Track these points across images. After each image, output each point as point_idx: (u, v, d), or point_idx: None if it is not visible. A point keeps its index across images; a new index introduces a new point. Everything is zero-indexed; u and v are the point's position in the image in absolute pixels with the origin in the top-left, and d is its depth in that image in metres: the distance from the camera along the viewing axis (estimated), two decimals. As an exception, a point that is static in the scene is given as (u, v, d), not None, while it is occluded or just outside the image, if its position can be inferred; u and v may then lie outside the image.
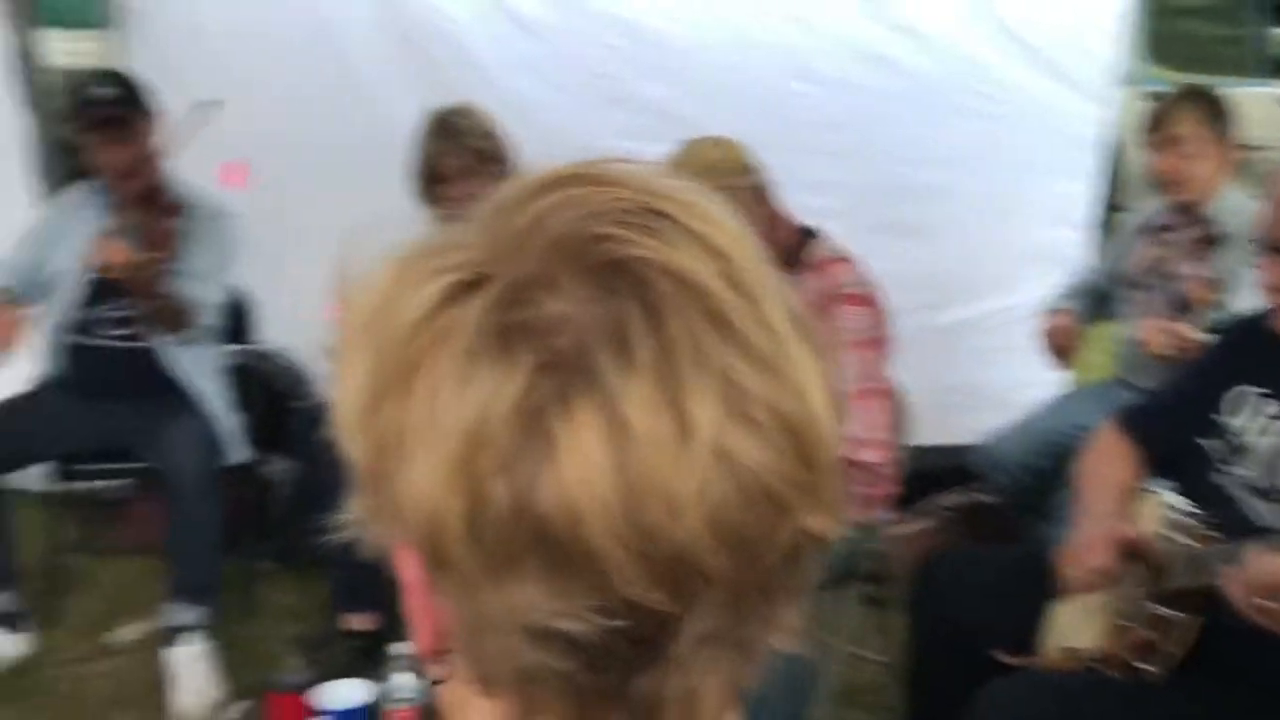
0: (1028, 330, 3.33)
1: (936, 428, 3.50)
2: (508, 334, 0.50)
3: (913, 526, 3.31)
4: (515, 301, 0.51)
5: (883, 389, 2.29)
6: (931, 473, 3.34)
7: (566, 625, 0.50)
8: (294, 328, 3.75)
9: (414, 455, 0.50)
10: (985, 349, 4.08)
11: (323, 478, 3.08)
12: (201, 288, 3.06)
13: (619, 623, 0.50)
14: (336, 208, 3.88)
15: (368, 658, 2.78)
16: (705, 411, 0.49)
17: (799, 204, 2.73)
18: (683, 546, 0.49)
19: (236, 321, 3.39)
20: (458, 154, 2.91)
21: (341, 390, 0.54)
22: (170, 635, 2.92)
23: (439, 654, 0.57)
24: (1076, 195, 4.08)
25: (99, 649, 3.07)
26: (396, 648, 2.25)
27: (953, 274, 4.03)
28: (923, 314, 3.82)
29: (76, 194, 3.25)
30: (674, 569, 0.50)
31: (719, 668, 0.54)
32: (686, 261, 0.52)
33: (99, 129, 3.02)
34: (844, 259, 2.41)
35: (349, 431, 0.54)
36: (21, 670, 2.93)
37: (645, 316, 0.50)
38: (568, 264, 0.51)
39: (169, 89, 3.37)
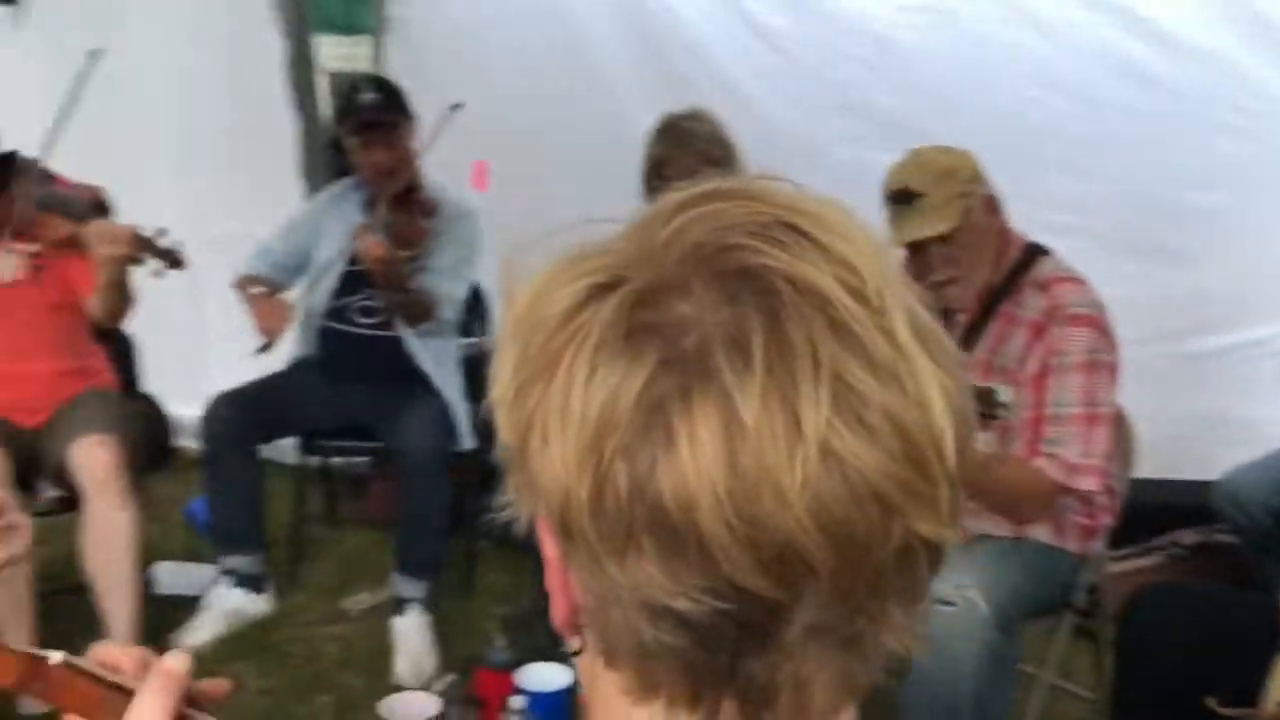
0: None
1: (1175, 460, 3.33)
2: (636, 332, 0.54)
3: (1135, 561, 3.15)
4: (646, 303, 0.55)
5: (1104, 415, 2.19)
6: (1164, 507, 3.17)
7: (679, 604, 0.54)
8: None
9: (550, 437, 0.55)
10: (1237, 380, 3.82)
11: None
12: (445, 283, 3.24)
13: (727, 605, 0.54)
14: (575, 208, 4.05)
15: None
16: (816, 412, 0.52)
17: (1038, 220, 2.64)
18: (788, 537, 0.52)
19: (472, 315, 3.55)
20: (683, 158, 2.97)
21: (496, 377, 0.59)
22: (396, 606, 3.10)
23: (574, 626, 0.61)
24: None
25: (333, 614, 3.29)
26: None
27: (1207, 300, 3.78)
28: (1169, 341, 3.63)
29: (337, 190, 3.50)
30: (779, 558, 0.53)
31: (830, 662, 0.56)
32: (811, 271, 0.55)
33: (362, 132, 3.24)
34: (1073, 279, 2.32)
35: (500, 415, 0.59)
36: (262, 629, 3.17)
37: (766, 321, 0.53)
38: (699, 271, 0.55)
39: (424, 92, 3.59)
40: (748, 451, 0.52)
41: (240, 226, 3.89)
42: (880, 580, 0.55)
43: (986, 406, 2.07)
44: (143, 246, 2.80)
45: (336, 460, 3.83)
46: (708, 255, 0.56)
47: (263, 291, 3.25)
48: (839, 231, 0.57)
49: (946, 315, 2.39)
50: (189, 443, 3.66)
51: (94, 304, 2.97)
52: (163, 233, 2.84)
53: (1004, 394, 2.16)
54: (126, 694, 0.76)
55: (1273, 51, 3.62)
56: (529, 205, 3.87)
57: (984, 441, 2.20)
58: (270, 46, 3.79)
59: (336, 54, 4.44)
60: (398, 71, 4.02)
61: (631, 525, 0.54)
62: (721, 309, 0.54)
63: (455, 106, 3.18)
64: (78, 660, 0.76)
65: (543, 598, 2.40)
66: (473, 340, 3.58)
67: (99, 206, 2.92)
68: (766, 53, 4.02)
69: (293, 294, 3.38)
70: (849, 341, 0.54)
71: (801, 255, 0.55)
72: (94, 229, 2.75)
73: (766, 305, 0.54)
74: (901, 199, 2.32)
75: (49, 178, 2.96)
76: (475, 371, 3.50)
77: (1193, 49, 3.64)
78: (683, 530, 0.53)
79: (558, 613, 0.62)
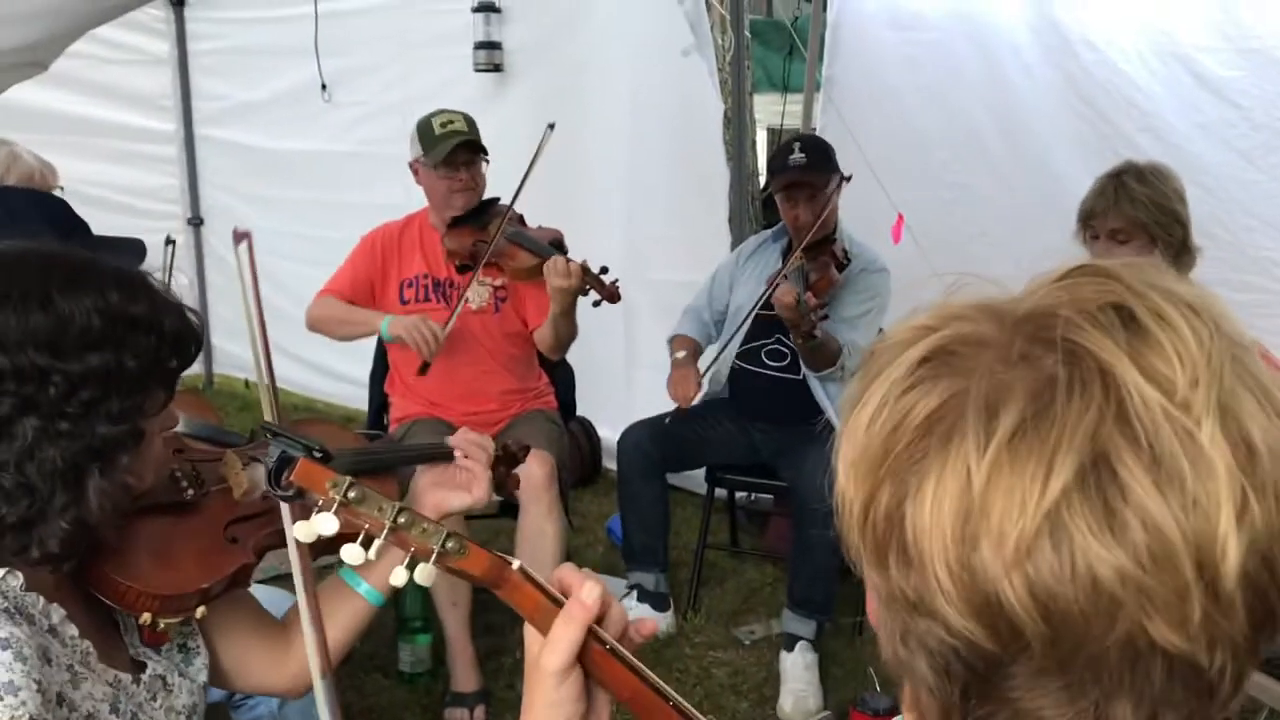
0: None
1: None
2: (933, 372, 0.61)
3: None
4: (953, 348, 0.61)
5: None
6: None
7: (917, 626, 0.60)
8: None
9: (844, 453, 0.64)
10: None
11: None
12: (849, 331, 3.35)
13: (953, 641, 0.59)
14: (1004, 267, 4.02)
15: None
16: (1055, 484, 0.55)
17: None
18: (999, 594, 0.56)
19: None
20: (1111, 218, 2.87)
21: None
22: (786, 641, 3.23)
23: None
24: None
25: (726, 640, 3.47)
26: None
27: None
28: None
29: (757, 241, 3.71)
30: (990, 611, 0.57)
31: None
32: (1115, 356, 0.56)
33: (789, 190, 3.42)
34: None
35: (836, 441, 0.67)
36: (660, 645, 3.40)
37: (1037, 388, 0.57)
38: (1018, 332, 0.60)
39: (852, 147, 3.74)
40: (978, 504, 0.56)
41: (674, 274, 4.24)
42: (1100, 670, 0.57)
43: None
44: (589, 280, 3.13)
45: (740, 494, 4.03)
46: (1033, 321, 0.60)
47: (683, 357, 3.52)
48: (1175, 324, 0.57)
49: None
50: (613, 465, 4.00)
51: (544, 334, 3.35)
52: (605, 270, 3.17)
53: None
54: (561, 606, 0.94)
55: None
56: (956, 262, 3.90)
57: None
58: (710, 108, 4.08)
59: (772, 110, 4.68)
60: (827, 127, 4.20)
61: (884, 544, 0.61)
62: (1009, 369, 0.58)
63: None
64: (531, 571, 0.96)
65: None
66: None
67: (557, 245, 3.29)
68: (1215, 105, 3.80)
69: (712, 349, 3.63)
70: (1130, 432, 0.55)
71: (1115, 339, 0.57)
72: (552, 264, 3.11)
73: (1047, 375, 0.57)
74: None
75: (521, 221, 3.38)
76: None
77: None
78: (916, 561, 0.59)
79: (871, 618, 0.69)
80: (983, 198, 4.12)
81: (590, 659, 0.94)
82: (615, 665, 0.95)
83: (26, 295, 1.21)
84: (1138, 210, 2.85)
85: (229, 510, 1.54)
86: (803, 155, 3.42)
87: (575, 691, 0.92)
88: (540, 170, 3.26)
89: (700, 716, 0.97)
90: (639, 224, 4.46)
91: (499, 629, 3.30)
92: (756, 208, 4.37)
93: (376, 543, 0.95)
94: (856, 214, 3.63)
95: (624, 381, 4.56)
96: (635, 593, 3.45)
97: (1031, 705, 0.59)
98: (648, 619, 1.03)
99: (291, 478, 0.96)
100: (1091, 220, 2.92)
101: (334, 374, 5.19)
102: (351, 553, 0.95)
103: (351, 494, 0.94)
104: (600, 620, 0.95)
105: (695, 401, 3.45)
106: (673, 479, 3.59)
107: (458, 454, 1.68)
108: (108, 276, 1.27)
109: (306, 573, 1.50)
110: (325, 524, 0.94)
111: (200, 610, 1.45)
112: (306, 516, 0.97)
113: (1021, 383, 0.57)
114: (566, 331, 3.30)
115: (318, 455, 1.00)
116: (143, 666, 1.41)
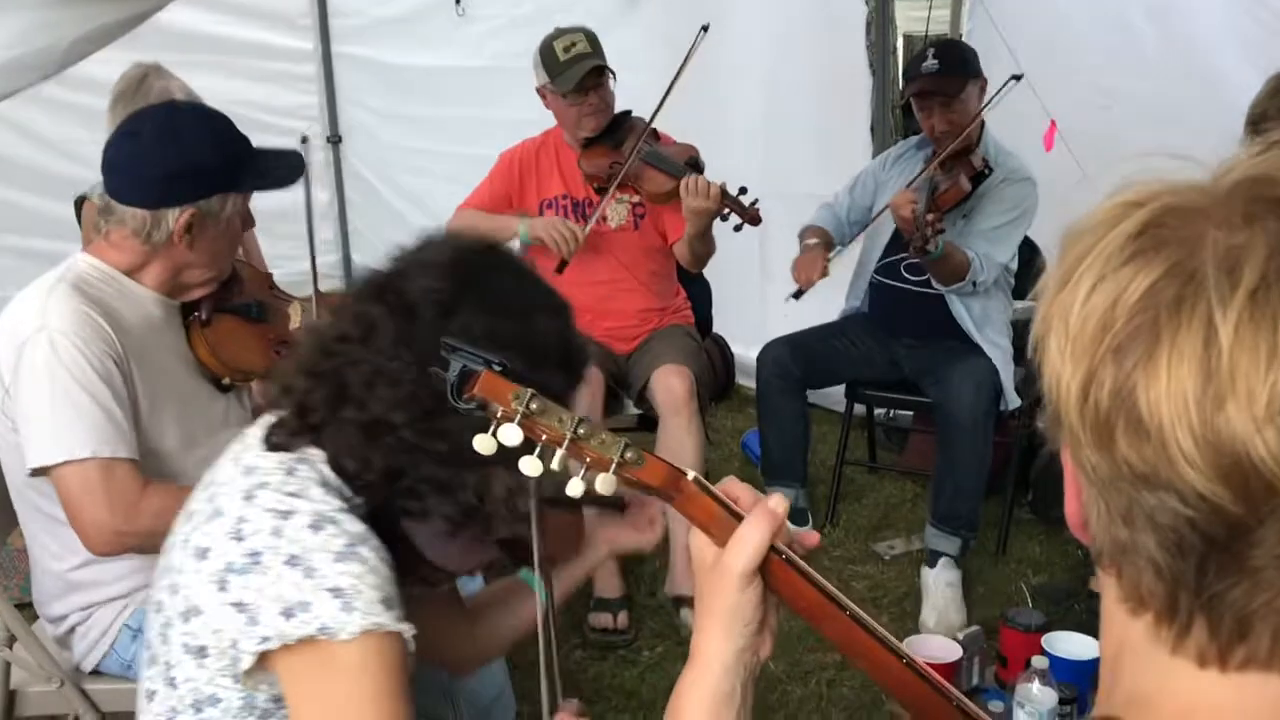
0: None
1: None
2: (1150, 243, 0.60)
3: None
4: (1168, 219, 0.60)
5: None
6: None
7: (1147, 501, 0.59)
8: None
9: (1055, 334, 0.63)
10: None
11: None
12: (984, 244, 3.24)
13: (1190, 512, 0.58)
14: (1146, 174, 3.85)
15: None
16: None
17: None
18: (1248, 450, 0.55)
19: (1029, 279, 3.51)
20: (1281, 119, 2.72)
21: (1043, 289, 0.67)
22: (928, 557, 3.20)
23: (1084, 532, 0.67)
24: None
25: (865, 554, 3.46)
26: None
27: None
28: None
29: (902, 148, 3.61)
30: (1238, 469, 0.56)
31: None
32: None
33: (922, 97, 3.32)
34: None
35: (1037, 325, 0.66)
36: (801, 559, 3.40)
37: (1272, 247, 0.57)
38: (1232, 197, 0.60)
39: (997, 55, 3.59)
40: (1223, 364, 0.56)
41: (815, 187, 4.14)
42: None
43: None
44: (727, 202, 3.09)
45: (880, 410, 3.98)
46: (1247, 186, 0.60)
47: (814, 244, 3.45)
48: None
49: None
50: (748, 381, 3.99)
51: (681, 251, 3.33)
52: (744, 191, 3.12)
53: None
54: (737, 519, 0.94)
55: None
56: (1091, 169, 3.74)
57: None
58: (854, 12, 3.96)
59: (916, 16, 4.52)
60: (975, 31, 4.04)
61: (1110, 420, 0.59)
62: (1237, 232, 0.58)
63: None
64: (705, 482, 0.96)
65: (1078, 576, 2.42)
66: (1027, 304, 3.54)
67: (693, 164, 3.25)
68: None
69: (854, 248, 3.56)
70: None
71: None
72: (689, 184, 3.08)
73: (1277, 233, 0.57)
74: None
75: (655, 137, 3.35)
76: (1027, 334, 3.46)
77: None
78: (1153, 431, 0.58)
79: (1070, 514, 0.68)
80: (1139, 102, 3.92)
81: (769, 568, 0.94)
82: (793, 575, 0.95)
83: (522, 306, 1.31)
84: (1312, 113, 2.69)
85: None
86: (936, 61, 3.30)
87: (757, 597, 0.93)
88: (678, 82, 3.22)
89: (875, 624, 0.96)
90: (777, 136, 4.37)
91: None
92: (897, 116, 4.25)
93: (559, 453, 0.95)
94: (1006, 121, 3.50)
95: (759, 298, 4.51)
96: (775, 507, 3.45)
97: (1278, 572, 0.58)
98: (810, 532, 1.03)
99: (475, 390, 0.97)
100: (1264, 124, 2.77)
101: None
102: (530, 464, 0.96)
103: (534, 405, 0.95)
104: None
105: (835, 316, 3.40)
106: (810, 396, 3.55)
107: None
108: (564, 305, 1.37)
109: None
110: (509, 434, 0.95)
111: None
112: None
113: (1256, 241, 0.57)
114: (704, 249, 3.29)
115: (498, 369, 1.01)
116: None
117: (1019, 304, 3.50)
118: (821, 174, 4.20)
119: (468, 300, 1.29)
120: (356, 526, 1.25)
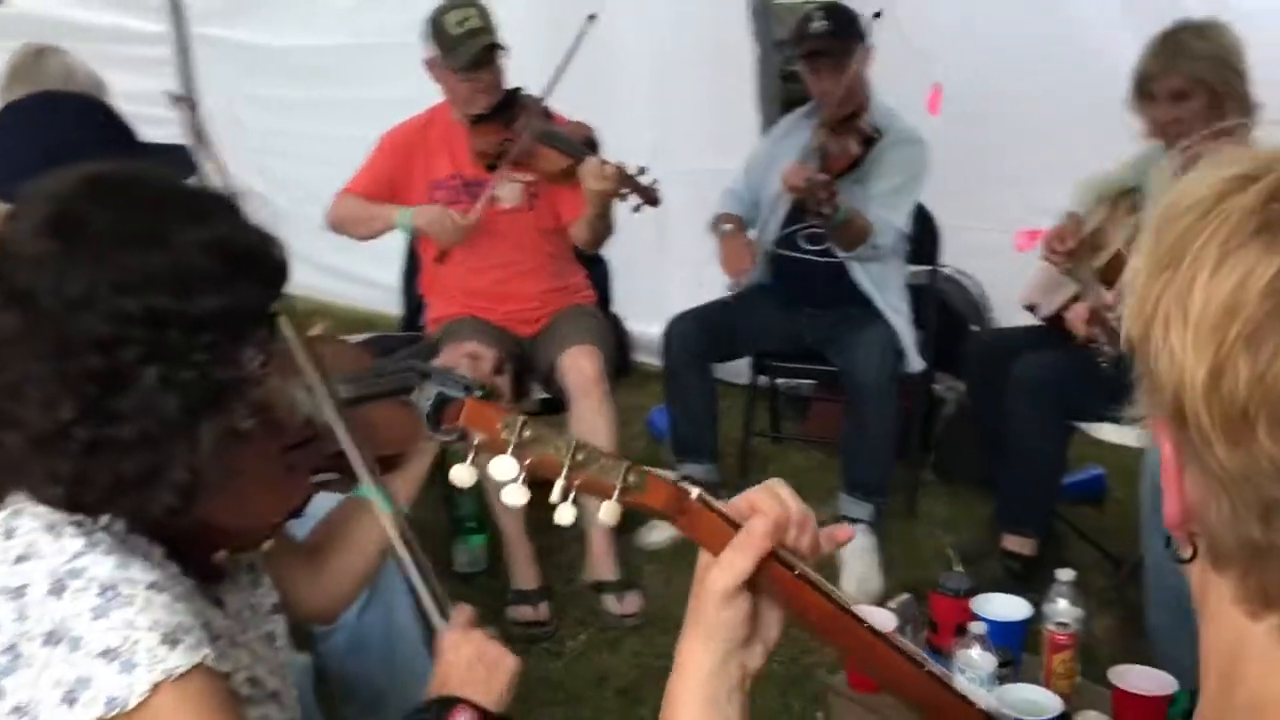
0: None
1: None
2: (1274, 221, 0.55)
3: None
4: None
5: None
6: None
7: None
8: (979, 254, 3.87)
9: (1172, 323, 0.58)
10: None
11: (982, 404, 3.21)
12: (881, 209, 3.25)
13: None
14: (1030, 142, 3.95)
15: (1019, 579, 2.87)
16: None
17: None
18: None
19: (922, 243, 3.54)
20: (1169, 77, 2.78)
21: (1129, 272, 0.62)
22: (838, 521, 3.22)
23: (1185, 530, 0.63)
24: None
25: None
26: (1061, 573, 2.31)
27: None
28: None
29: (791, 120, 3.60)
30: None
31: None
32: None
33: (811, 59, 3.32)
34: None
35: (1128, 309, 0.62)
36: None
37: None
38: None
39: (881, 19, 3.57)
40: None
41: (705, 161, 4.10)
42: None
43: None
44: (627, 183, 3.03)
45: (781, 381, 3.98)
46: None
47: (732, 230, 3.42)
48: None
49: None
50: (649, 359, 3.94)
51: (579, 231, 3.27)
52: (643, 171, 3.06)
53: None
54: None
55: None
56: (980, 137, 3.79)
57: None
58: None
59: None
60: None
61: (1247, 411, 0.55)
62: None
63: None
64: (709, 498, 0.90)
65: (989, 535, 2.43)
66: (921, 268, 3.58)
67: (590, 144, 3.18)
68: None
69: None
70: None
71: None
72: (587, 165, 3.01)
73: None
74: None
75: (548, 116, 3.26)
76: (923, 298, 3.51)
77: None
78: None
79: (1169, 512, 0.64)
80: (1022, 66, 3.96)
81: (771, 582, 0.89)
82: (802, 588, 0.89)
83: (145, 233, 1.12)
84: (1198, 66, 2.77)
85: (283, 434, 1.42)
86: (825, 23, 3.29)
87: (740, 616, 0.88)
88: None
89: (895, 638, 0.91)
90: (666, 111, 4.32)
91: (552, 524, 3.28)
92: (777, 85, 4.22)
93: (559, 484, 0.87)
94: (890, 85, 3.50)
95: (654, 274, 4.47)
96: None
97: None
98: (842, 527, 0.97)
99: (461, 420, 0.87)
100: (1150, 83, 2.84)
101: (349, 276, 5.08)
102: (515, 494, 0.87)
103: (527, 433, 0.86)
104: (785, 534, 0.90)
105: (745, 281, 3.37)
106: (716, 371, 3.53)
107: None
108: (216, 205, 1.20)
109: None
110: (504, 469, 0.86)
111: (269, 543, 1.39)
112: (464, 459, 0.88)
113: None
114: (603, 230, 3.24)
115: (479, 394, 0.92)
116: (220, 602, 1.34)
117: (912, 268, 3.53)
118: (712, 148, 4.17)
119: (80, 255, 1.10)
120: (105, 564, 1.09)
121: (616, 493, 0.87)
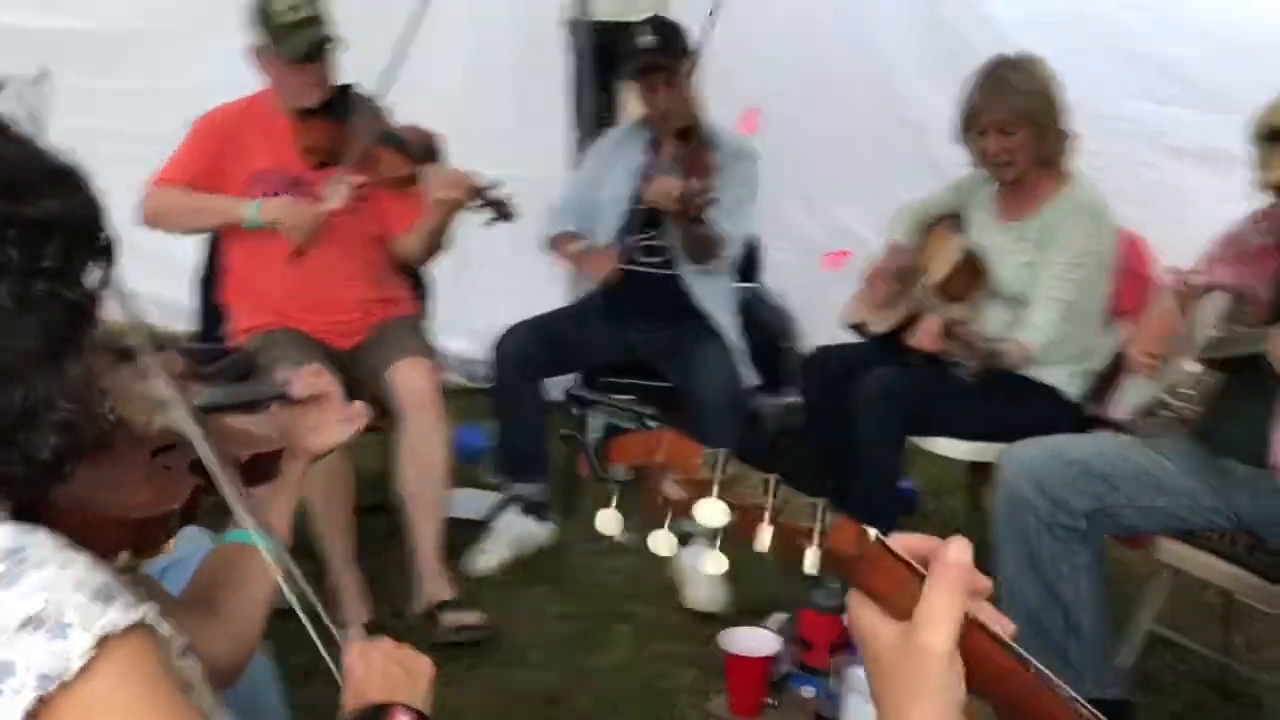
0: None
1: None
2: None
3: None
4: None
5: None
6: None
7: None
8: (783, 273, 3.93)
9: None
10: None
11: (823, 418, 3.24)
12: (727, 221, 3.25)
13: None
14: (836, 164, 4.07)
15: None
16: None
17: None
18: None
19: (746, 260, 3.56)
20: (995, 111, 2.92)
21: None
22: (683, 538, 3.15)
23: None
24: None
25: (613, 545, 3.36)
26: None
27: None
28: None
29: (618, 134, 3.55)
30: None
31: None
32: None
33: (644, 75, 3.27)
34: None
35: None
36: (549, 557, 3.27)
37: None
38: None
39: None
40: None
41: (514, 171, 3.97)
42: None
43: None
44: (479, 195, 2.89)
45: (612, 396, 3.90)
46: None
47: (582, 246, 3.33)
48: None
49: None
50: (449, 375, 3.78)
51: (409, 243, 3.09)
52: (494, 184, 2.93)
53: None
54: (920, 578, 0.77)
55: None
56: (787, 156, 3.86)
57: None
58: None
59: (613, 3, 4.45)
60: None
61: None
62: None
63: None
64: (885, 539, 0.78)
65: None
66: (745, 285, 3.60)
67: (433, 150, 3.01)
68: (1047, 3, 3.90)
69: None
70: None
71: None
72: (435, 173, 2.85)
73: None
74: (1275, 138, 2.27)
75: (385, 116, 3.07)
76: (749, 314, 3.52)
77: None
78: None
79: None
80: (829, 98, 4.06)
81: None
82: (983, 639, 0.77)
83: None
84: (1021, 100, 2.91)
85: (145, 440, 1.28)
86: (654, 37, 3.27)
87: (961, 668, 0.77)
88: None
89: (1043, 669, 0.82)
90: (475, 121, 4.15)
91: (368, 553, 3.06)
92: (601, 99, 4.17)
93: (763, 529, 0.75)
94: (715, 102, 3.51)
95: (453, 285, 4.29)
96: (518, 505, 3.29)
97: None
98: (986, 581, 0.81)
99: (658, 456, 0.74)
100: (977, 117, 2.97)
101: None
102: (715, 561, 0.77)
103: (730, 469, 0.73)
104: None
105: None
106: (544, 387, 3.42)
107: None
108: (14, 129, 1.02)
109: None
110: (712, 513, 0.74)
111: (171, 544, 1.22)
112: None
113: None
114: (438, 244, 3.10)
115: (653, 424, 0.78)
116: None
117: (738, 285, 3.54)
118: (517, 158, 4.05)
119: None
120: (2, 531, 0.91)
121: (817, 538, 0.75)
